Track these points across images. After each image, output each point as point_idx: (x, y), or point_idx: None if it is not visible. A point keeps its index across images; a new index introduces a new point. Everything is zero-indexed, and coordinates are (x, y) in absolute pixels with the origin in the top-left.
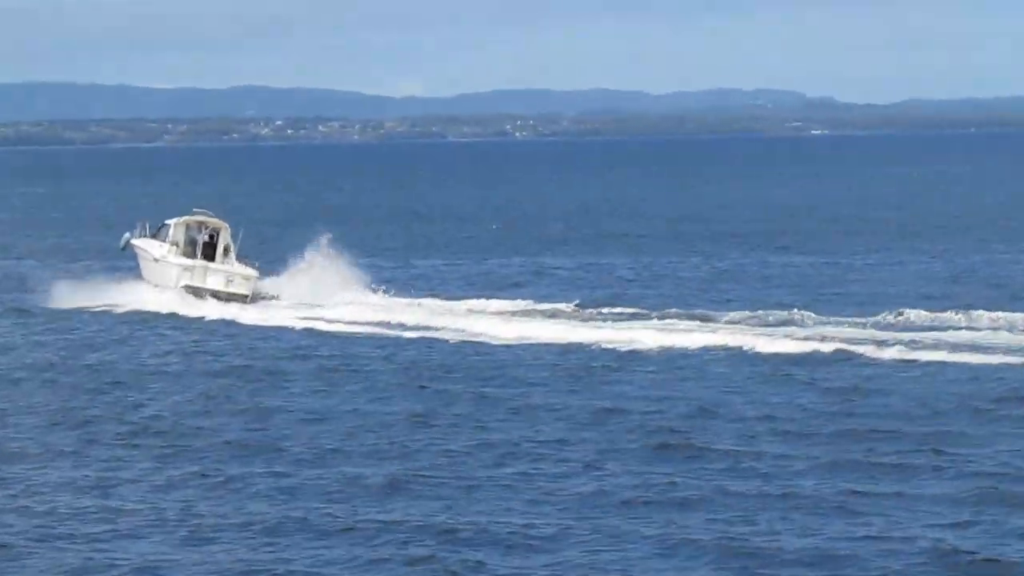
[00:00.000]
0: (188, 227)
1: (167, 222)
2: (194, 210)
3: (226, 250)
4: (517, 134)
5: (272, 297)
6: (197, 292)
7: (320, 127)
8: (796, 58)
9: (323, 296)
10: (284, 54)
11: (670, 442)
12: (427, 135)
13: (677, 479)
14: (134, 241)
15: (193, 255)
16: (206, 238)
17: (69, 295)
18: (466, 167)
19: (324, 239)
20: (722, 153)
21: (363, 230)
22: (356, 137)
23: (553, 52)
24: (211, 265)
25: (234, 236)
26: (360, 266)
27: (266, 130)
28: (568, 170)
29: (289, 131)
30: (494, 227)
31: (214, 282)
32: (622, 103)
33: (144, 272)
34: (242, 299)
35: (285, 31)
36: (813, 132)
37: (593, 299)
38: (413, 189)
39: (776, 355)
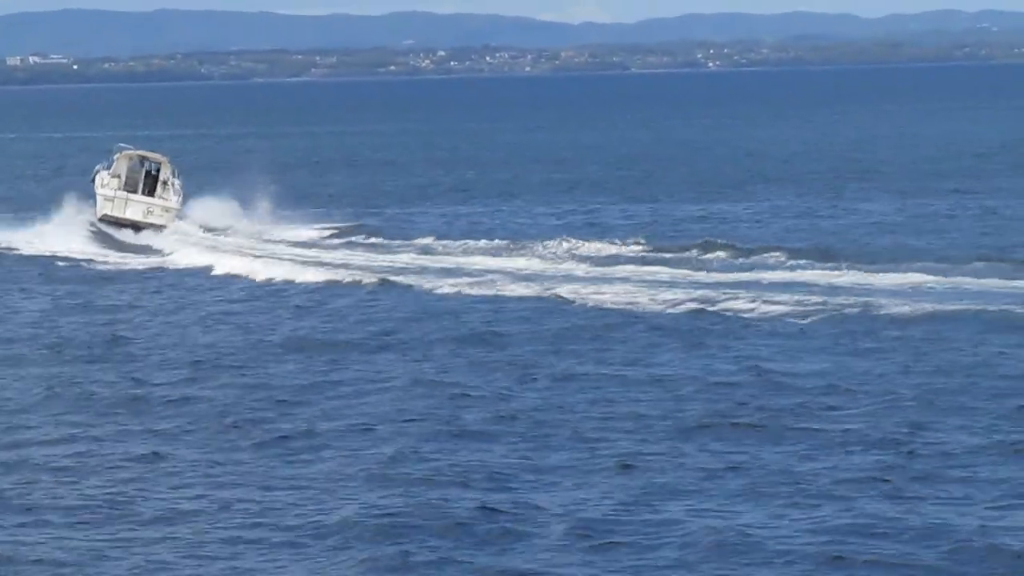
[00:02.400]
0: (131, 160)
1: (114, 156)
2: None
3: (164, 183)
4: (709, 64)
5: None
6: (117, 222)
7: (487, 58)
8: None
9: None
10: None
11: None
12: (607, 66)
13: None
14: (97, 175)
15: (135, 188)
16: (149, 171)
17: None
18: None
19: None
20: (950, 83)
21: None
22: (528, 68)
23: None
24: (132, 196)
25: (177, 172)
26: None
27: (426, 62)
28: (805, 104)
29: (452, 63)
30: None
31: (132, 212)
32: (828, 28)
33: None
34: (159, 229)
35: None
36: None
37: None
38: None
39: None
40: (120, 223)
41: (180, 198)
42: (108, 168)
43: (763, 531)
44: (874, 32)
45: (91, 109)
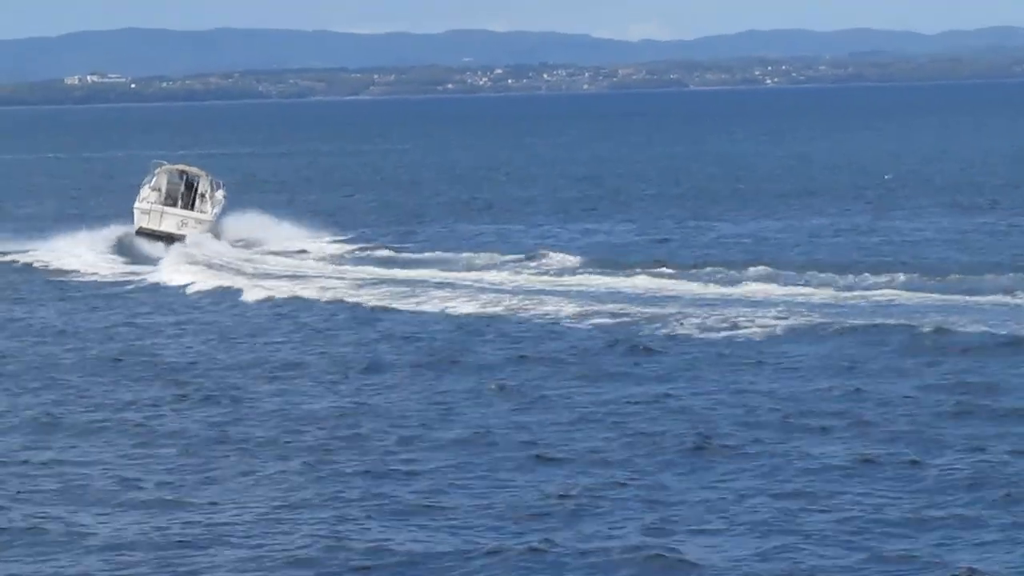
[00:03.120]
0: (170, 174)
1: (154, 171)
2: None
3: (203, 196)
4: (768, 80)
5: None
6: (153, 234)
7: (545, 76)
8: None
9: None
10: None
11: None
12: (665, 83)
13: None
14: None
15: (175, 201)
16: (189, 184)
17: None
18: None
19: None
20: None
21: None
22: (586, 86)
23: None
24: (167, 209)
25: (216, 185)
26: None
27: (484, 80)
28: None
29: (510, 80)
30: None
31: (167, 225)
32: (887, 44)
33: None
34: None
35: None
36: None
37: None
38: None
39: None
40: (156, 235)
41: (219, 210)
42: (150, 183)
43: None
44: (933, 48)
45: (144, 127)
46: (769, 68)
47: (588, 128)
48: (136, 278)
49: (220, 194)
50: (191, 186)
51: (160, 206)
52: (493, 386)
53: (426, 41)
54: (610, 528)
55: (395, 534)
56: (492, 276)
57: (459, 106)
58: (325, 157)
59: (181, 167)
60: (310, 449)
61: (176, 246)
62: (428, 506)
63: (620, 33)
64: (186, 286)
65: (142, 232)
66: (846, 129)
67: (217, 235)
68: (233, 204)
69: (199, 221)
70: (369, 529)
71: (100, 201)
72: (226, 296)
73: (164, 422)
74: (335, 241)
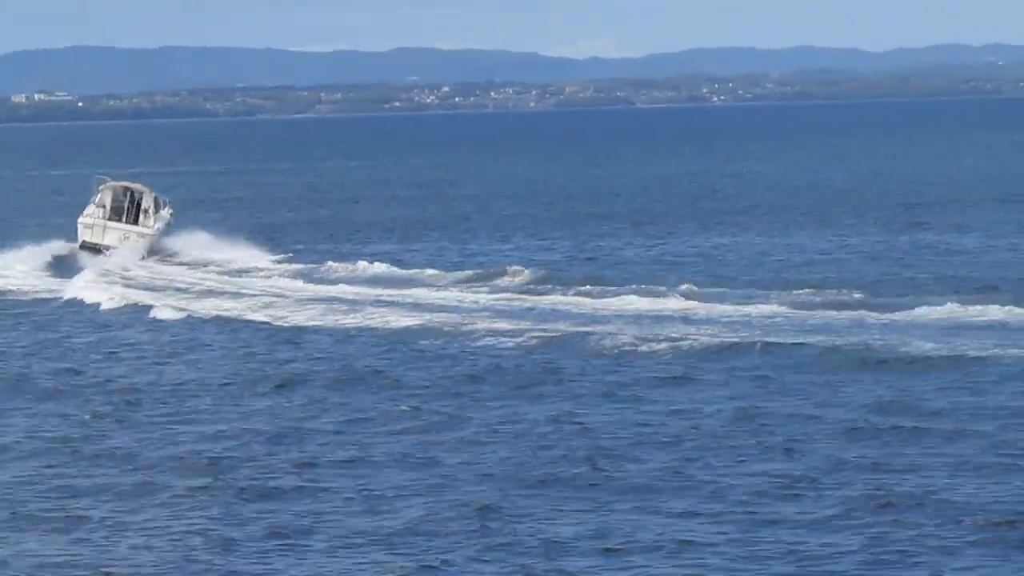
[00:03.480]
0: (114, 191)
1: (98, 188)
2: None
3: (146, 211)
4: (715, 98)
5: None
6: (95, 248)
7: (492, 94)
8: None
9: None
10: (451, 12)
11: None
12: (612, 101)
13: None
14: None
15: (120, 216)
16: (132, 200)
17: None
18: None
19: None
20: (958, 117)
21: None
22: (533, 104)
23: (755, 5)
24: (109, 224)
25: (163, 203)
26: None
27: (431, 98)
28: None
29: (457, 98)
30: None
31: (110, 239)
32: (834, 62)
33: None
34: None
35: None
36: None
37: None
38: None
39: None
40: (98, 249)
41: (162, 225)
42: (95, 199)
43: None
44: (881, 66)
45: (91, 145)
46: (716, 86)
47: (534, 148)
48: (53, 295)
49: (166, 211)
50: (135, 202)
51: (103, 221)
52: (404, 407)
53: (374, 59)
54: (497, 549)
55: (277, 558)
56: (424, 293)
57: (404, 124)
58: (268, 175)
59: (125, 184)
60: (196, 470)
61: (99, 259)
62: (308, 529)
63: (568, 51)
64: (98, 304)
65: (85, 246)
66: (786, 147)
67: (157, 250)
68: (177, 222)
69: (141, 235)
70: (249, 551)
71: (44, 219)
72: (138, 314)
73: (56, 439)
74: (274, 260)
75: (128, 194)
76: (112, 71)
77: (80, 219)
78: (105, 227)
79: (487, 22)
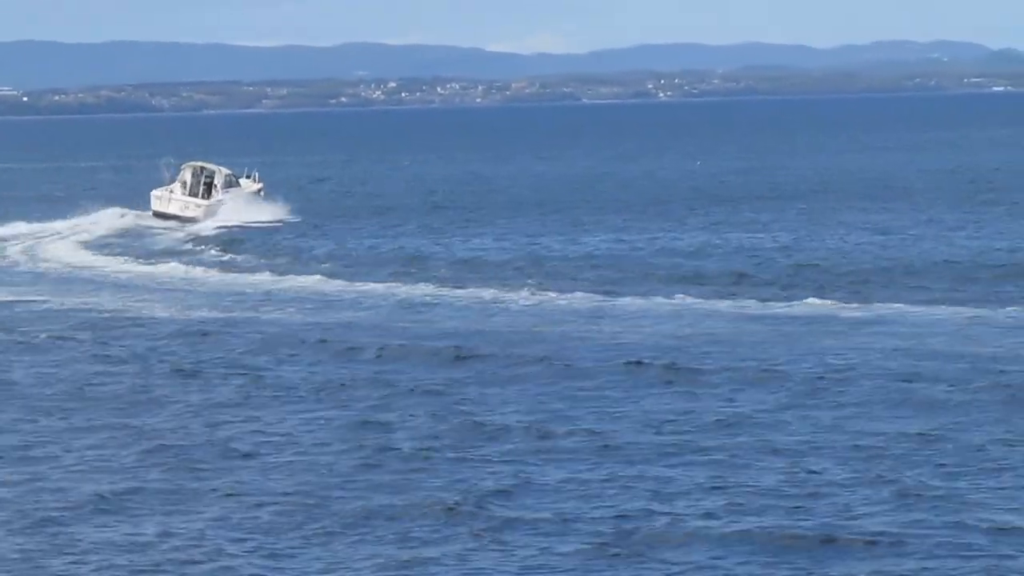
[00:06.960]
0: (193, 170)
1: (182, 167)
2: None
3: (215, 187)
4: (661, 94)
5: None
6: (163, 215)
7: (438, 89)
8: (977, 5)
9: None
10: (398, 7)
11: None
12: (558, 96)
13: None
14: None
15: (196, 192)
16: (206, 178)
17: None
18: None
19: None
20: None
21: None
22: (479, 100)
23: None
24: (173, 196)
25: (230, 179)
26: None
27: (378, 93)
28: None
29: (404, 94)
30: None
31: (174, 208)
32: (781, 58)
33: None
34: (191, 220)
35: None
36: (995, 88)
37: None
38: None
39: None
40: (166, 216)
41: (223, 196)
42: (177, 176)
43: None
44: (826, 62)
45: (35, 141)
46: (662, 82)
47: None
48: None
49: (251, 182)
50: (207, 179)
51: (167, 194)
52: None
53: (320, 54)
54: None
55: None
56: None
57: (349, 119)
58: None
59: (202, 164)
60: None
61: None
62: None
63: (514, 47)
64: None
65: (156, 214)
66: (729, 142)
67: (213, 215)
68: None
69: (197, 206)
70: None
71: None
72: None
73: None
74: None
75: (203, 171)
76: (58, 66)
77: (153, 192)
78: (170, 199)
79: (433, 18)
